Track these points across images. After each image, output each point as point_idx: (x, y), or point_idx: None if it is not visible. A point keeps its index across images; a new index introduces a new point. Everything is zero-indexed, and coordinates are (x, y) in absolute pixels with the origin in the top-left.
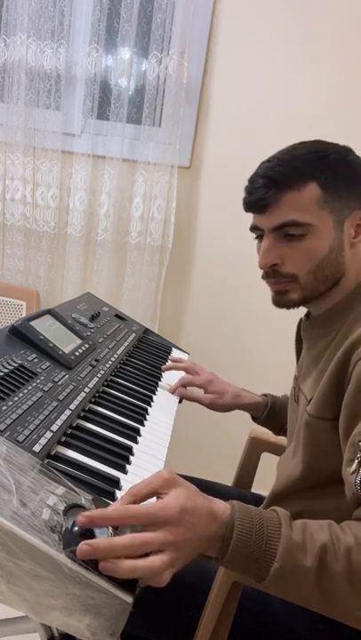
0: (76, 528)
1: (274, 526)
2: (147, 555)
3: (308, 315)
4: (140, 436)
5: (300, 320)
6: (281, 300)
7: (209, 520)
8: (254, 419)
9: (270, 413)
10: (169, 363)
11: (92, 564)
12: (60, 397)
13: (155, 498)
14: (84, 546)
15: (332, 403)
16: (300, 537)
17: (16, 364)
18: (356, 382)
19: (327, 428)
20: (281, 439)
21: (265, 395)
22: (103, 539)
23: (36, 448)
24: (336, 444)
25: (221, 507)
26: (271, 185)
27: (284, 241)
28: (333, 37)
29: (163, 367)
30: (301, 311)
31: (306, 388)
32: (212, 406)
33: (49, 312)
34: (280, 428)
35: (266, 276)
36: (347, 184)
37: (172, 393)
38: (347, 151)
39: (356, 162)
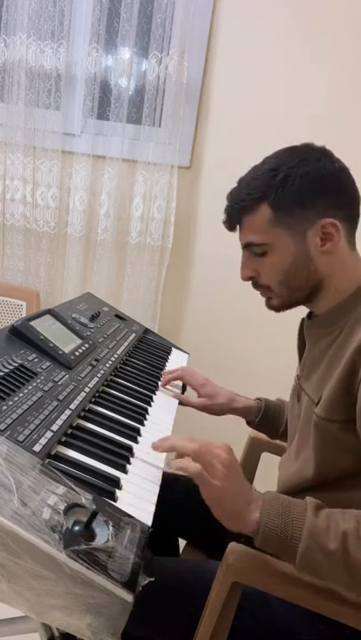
0: (76, 528)
1: (300, 511)
2: None
3: (310, 315)
4: (140, 435)
5: (303, 320)
6: (268, 305)
7: (246, 490)
8: (248, 423)
9: (264, 418)
10: (163, 379)
11: (92, 562)
12: (61, 397)
13: None
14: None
15: (341, 405)
16: (324, 523)
17: (16, 364)
18: None
19: (337, 429)
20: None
21: (258, 399)
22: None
23: (37, 448)
24: (346, 444)
25: (252, 489)
26: (232, 210)
27: (254, 257)
28: (333, 37)
29: (161, 385)
30: (302, 312)
31: (309, 387)
32: (205, 409)
33: (49, 312)
34: (275, 432)
35: (252, 286)
36: (298, 200)
37: (164, 386)
38: (304, 162)
39: (311, 173)
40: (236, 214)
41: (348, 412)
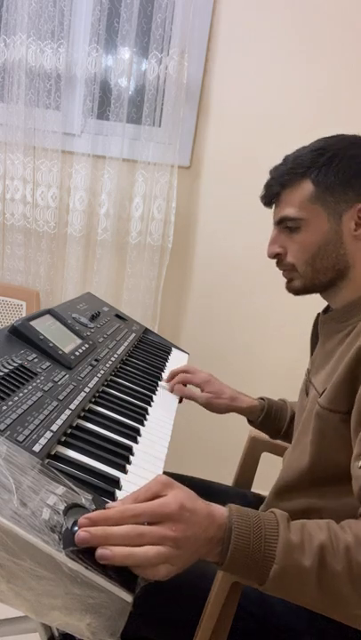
0: (76, 528)
1: (271, 528)
2: None
3: (326, 310)
4: (140, 435)
5: (318, 315)
6: (289, 287)
7: (208, 522)
8: (250, 422)
9: (266, 417)
10: (165, 378)
11: (92, 562)
12: (60, 397)
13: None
14: (81, 533)
15: (344, 396)
16: (298, 537)
17: (16, 364)
18: None
19: (338, 420)
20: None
21: (261, 398)
22: (101, 527)
23: (36, 448)
24: (345, 437)
25: (219, 510)
26: (273, 183)
27: (285, 232)
28: (333, 37)
29: (168, 388)
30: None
31: (318, 381)
32: (209, 405)
33: (49, 312)
34: (276, 433)
35: (276, 265)
36: (341, 179)
37: (171, 391)
38: (353, 145)
39: (359, 156)
40: (276, 188)
41: (350, 403)
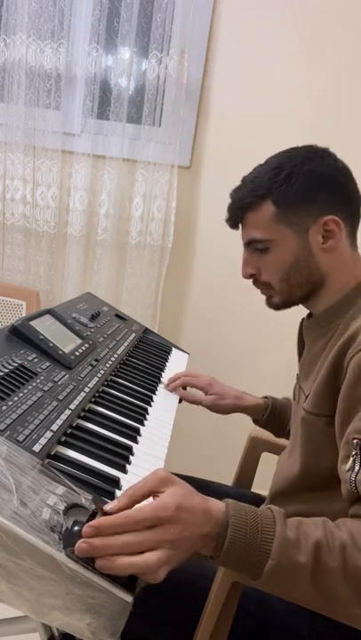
0: (76, 528)
1: (268, 524)
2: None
3: (309, 315)
4: (140, 435)
5: (302, 320)
6: (268, 303)
7: (204, 518)
8: (255, 421)
9: (271, 416)
10: (167, 387)
11: (91, 562)
12: (60, 397)
13: (151, 497)
14: (82, 544)
15: (328, 399)
16: (294, 534)
17: (16, 364)
18: (352, 377)
19: (323, 424)
20: (281, 439)
21: (266, 397)
22: (100, 538)
23: (36, 448)
24: (332, 441)
25: (217, 505)
26: (235, 207)
27: (256, 254)
28: (333, 37)
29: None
30: (303, 312)
31: (306, 386)
32: (214, 407)
33: (49, 312)
34: (281, 430)
35: (253, 284)
36: (301, 196)
37: (171, 391)
38: (308, 160)
39: (315, 171)
40: (239, 212)
41: (334, 406)
